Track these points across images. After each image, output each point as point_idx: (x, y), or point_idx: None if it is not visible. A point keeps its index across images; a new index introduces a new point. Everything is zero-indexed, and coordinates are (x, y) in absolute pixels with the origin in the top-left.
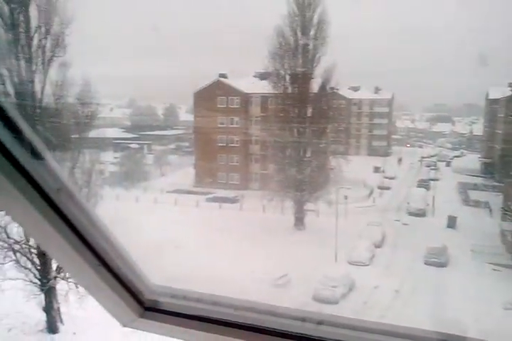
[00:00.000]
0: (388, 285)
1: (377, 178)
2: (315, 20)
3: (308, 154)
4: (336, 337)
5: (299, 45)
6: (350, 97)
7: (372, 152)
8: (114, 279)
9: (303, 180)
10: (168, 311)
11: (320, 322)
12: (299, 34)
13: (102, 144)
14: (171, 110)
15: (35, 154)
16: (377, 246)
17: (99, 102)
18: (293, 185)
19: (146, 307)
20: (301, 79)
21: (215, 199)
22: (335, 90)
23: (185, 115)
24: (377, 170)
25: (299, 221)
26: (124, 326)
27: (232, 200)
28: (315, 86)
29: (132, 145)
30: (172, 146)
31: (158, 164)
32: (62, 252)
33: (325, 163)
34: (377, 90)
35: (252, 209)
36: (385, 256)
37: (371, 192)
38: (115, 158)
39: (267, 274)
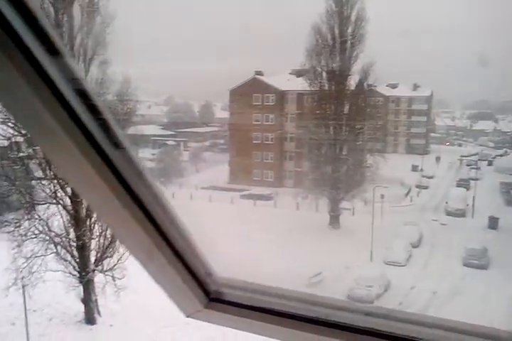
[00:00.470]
0: (425, 287)
1: (415, 177)
2: (353, 17)
3: (345, 152)
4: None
5: (337, 42)
6: (388, 94)
7: (411, 150)
8: (184, 269)
9: (338, 178)
10: (233, 302)
11: (385, 316)
12: (337, 31)
13: (140, 141)
14: (206, 107)
15: (116, 143)
16: (414, 246)
17: (137, 99)
18: (328, 183)
19: (211, 298)
20: (339, 77)
21: (250, 196)
22: (372, 87)
23: (221, 112)
24: (415, 168)
25: (334, 219)
26: (188, 316)
27: (267, 197)
28: (352, 83)
29: (169, 142)
30: (207, 143)
31: (193, 161)
32: (136, 240)
33: (361, 161)
34: (415, 87)
35: (286, 207)
36: (422, 257)
37: (409, 191)
38: (152, 154)
39: (301, 272)
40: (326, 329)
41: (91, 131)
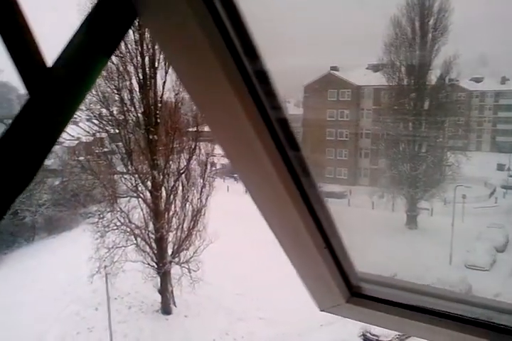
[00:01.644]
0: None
1: (501, 177)
2: (435, 8)
3: (424, 149)
4: None
5: (417, 35)
6: (471, 89)
7: (496, 148)
8: (334, 264)
9: (417, 177)
10: (372, 297)
11: None
12: (417, 24)
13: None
14: None
15: (293, 144)
16: (500, 250)
17: None
18: (406, 182)
19: (353, 292)
20: (418, 71)
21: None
22: (454, 82)
23: (294, 109)
24: (501, 167)
25: (411, 219)
26: (323, 310)
27: (340, 195)
28: (433, 77)
29: None
30: None
31: None
32: (292, 230)
33: (442, 159)
34: (504, 80)
35: (361, 206)
36: (508, 262)
37: (493, 192)
38: None
39: (376, 272)
40: (471, 327)
41: (277, 132)
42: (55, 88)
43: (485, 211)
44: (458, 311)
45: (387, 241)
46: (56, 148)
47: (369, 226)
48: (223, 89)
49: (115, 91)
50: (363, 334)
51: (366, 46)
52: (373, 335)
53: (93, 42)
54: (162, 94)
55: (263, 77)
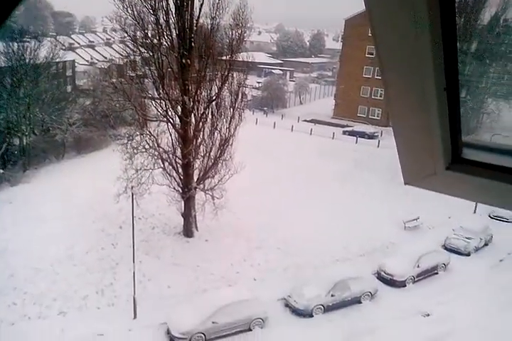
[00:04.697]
0: None
1: None
2: None
3: (463, 94)
4: None
5: None
6: None
7: None
8: (445, 114)
9: None
10: (478, 163)
11: None
12: None
13: (247, 68)
14: (317, 37)
15: None
16: None
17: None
18: None
19: (454, 158)
20: (471, 7)
21: (352, 133)
22: (510, 23)
23: (332, 43)
24: None
25: None
26: (407, 183)
27: (370, 136)
28: (486, 16)
29: (275, 71)
30: (314, 74)
31: (298, 92)
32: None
33: (481, 106)
34: None
35: (390, 147)
36: None
37: None
38: (258, 82)
39: (399, 215)
40: None
41: None
42: None
43: None
44: None
45: (411, 186)
46: (88, 68)
47: (395, 168)
48: None
49: (151, 11)
50: (377, 273)
51: None
52: (388, 274)
53: None
54: (198, 18)
55: None
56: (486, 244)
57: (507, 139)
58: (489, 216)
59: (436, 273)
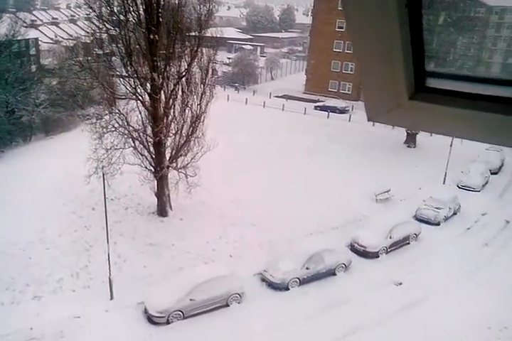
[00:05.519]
0: (498, 215)
1: None
2: None
3: None
4: None
5: None
6: (491, 4)
7: (506, 72)
8: (408, 43)
9: None
10: (442, 90)
11: None
12: None
13: (216, 43)
14: (287, 11)
15: None
16: (494, 172)
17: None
18: None
19: (417, 87)
20: None
21: (324, 108)
22: None
23: (302, 17)
24: None
25: (411, 138)
26: (371, 119)
27: (341, 110)
28: None
29: (246, 47)
30: (285, 50)
31: (269, 67)
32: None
33: None
34: None
35: (361, 122)
36: (500, 184)
37: None
38: (228, 58)
39: (371, 189)
40: None
41: None
42: None
43: None
44: None
45: (383, 159)
46: (53, 46)
47: (367, 142)
48: None
49: None
50: (351, 245)
51: None
52: (361, 246)
53: None
54: None
55: None
56: (454, 213)
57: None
58: (457, 186)
59: (408, 244)
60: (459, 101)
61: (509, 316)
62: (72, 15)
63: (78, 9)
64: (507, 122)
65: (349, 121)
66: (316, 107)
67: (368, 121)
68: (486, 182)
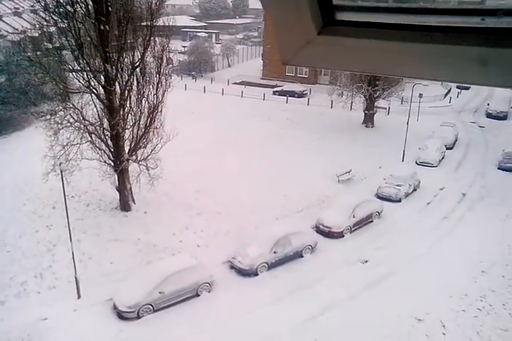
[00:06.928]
0: (455, 188)
1: None
2: None
3: None
4: None
5: None
6: None
7: None
8: None
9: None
10: (352, 22)
11: None
12: None
13: (170, 32)
14: None
15: None
16: (449, 147)
17: None
18: (365, 80)
19: (325, 22)
20: None
21: (282, 93)
22: None
23: (255, 2)
24: None
25: (369, 118)
26: (286, 63)
27: (300, 94)
28: None
29: (200, 34)
30: (240, 36)
31: (225, 54)
32: None
33: None
34: None
35: (320, 105)
36: (455, 159)
37: (448, 91)
38: (183, 46)
39: (332, 169)
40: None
41: None
42: None
43: (439, 110)
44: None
45: (343, 139)
46: None
47: (326, 124)
48: None
49: None
50: (316, 226)
51: None
52: (326, 227)
53: None
54: None
55: None
56: (414, 190)
57: (427, 88)
58: (416, 163)
59: (371, 222)
60: (371, 32)
61: (469, 285)
62: (16, 8)
63: (22, 1)
64: (427, 50)
65: (308, 104)
66: (274, 92)
67: (283, 65)
68: (443, 158)
